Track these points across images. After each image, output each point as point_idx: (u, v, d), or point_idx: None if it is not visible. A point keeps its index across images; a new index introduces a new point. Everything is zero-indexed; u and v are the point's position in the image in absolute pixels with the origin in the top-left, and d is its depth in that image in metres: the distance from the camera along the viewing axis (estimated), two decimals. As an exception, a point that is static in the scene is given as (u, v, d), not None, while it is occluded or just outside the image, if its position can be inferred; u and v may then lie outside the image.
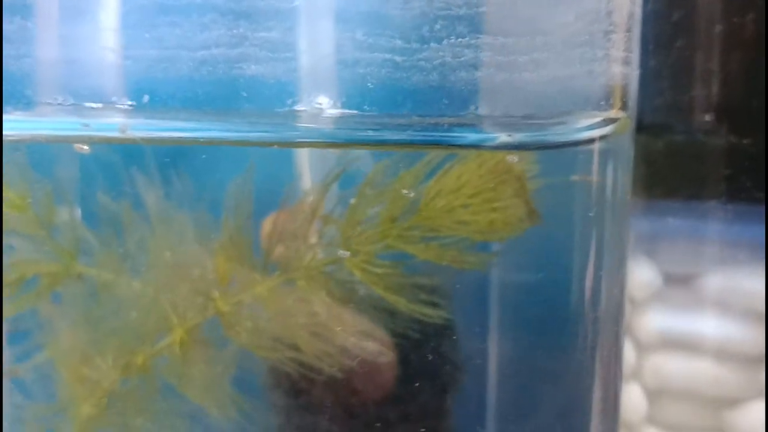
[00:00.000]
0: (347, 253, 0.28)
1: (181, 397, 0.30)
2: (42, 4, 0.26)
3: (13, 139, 0.27)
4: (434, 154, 0.28)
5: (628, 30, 0.30)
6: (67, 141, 0.26)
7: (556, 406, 0.31)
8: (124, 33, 0.25)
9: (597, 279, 0.30)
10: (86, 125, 0.24)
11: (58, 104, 0.24)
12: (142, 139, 0.24)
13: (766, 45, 0.38)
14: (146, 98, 0.23)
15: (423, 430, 0.30)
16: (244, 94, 0.23)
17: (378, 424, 0.30)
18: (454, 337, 0.30)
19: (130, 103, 0.24)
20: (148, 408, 0.30)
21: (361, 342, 0.29)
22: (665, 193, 0.39)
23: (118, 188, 0.28)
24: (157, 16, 0.24)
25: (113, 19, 0.25)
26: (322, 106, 0.24)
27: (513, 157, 0.27)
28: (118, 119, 0.24)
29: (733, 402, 0.41)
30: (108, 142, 0.25)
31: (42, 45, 0.25)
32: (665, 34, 0.39)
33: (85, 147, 0.25)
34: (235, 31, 0.24)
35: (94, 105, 0.24)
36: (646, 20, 0.32)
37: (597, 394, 0.31)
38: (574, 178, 0.28)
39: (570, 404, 0.31)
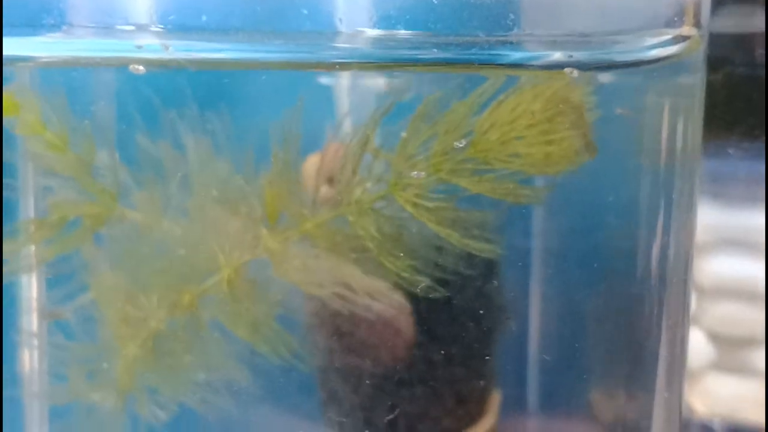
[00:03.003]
0: (422, 174, 0.27)
1: (228, 336, 0.29)
2: None
3: (50, 62, 0.26)
4: (488, 84, 0.27)
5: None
6: (109, 64, 0.25)
7: (623, 352, 0.30)
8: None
9: (666, 217, 0.29)
10: (140, 47, 0.23)
11: (99, 26, 0.23)
12: (187, 60, 0.23)
13: (766, 43, 0.37)
14: (204, 18, 0.22)
15: (488, 358, 0.29)
16: (305, 12, 0.22)
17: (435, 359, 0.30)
18: (508, 276, 0.29)
19: (161, 25, 0.23)
20: (194, 347, 0.30)
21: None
22: (724, 127, 0.37)
23: (160, 122, 0.28)
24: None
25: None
26: (383, 26, 0.23)
27: (572, 71, 0.26)
28: (162, 41, 0.23)
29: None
30: (151, 65, 0.25)
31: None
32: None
33: (140, 67, 0.24)
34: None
35: (141, 26, 0.23)
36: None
37: (664, 341, 0.31)
38: (643, 104, 0.27)
39: (636, 350, 0.31)
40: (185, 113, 0.27)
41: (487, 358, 0.30)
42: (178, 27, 0.23)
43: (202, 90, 0.27)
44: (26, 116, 0.29)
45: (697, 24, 0.28)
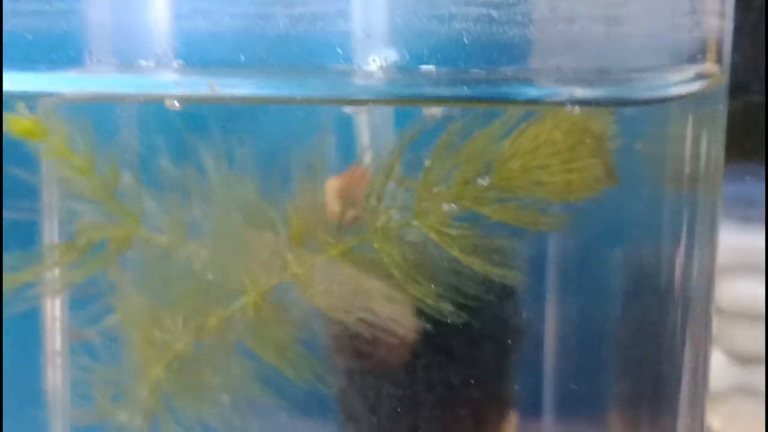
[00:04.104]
0: (453, 206, 0.28)
1: (253, 360, 0.30)
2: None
3: (72, 98, 0.27)
4: (509, 115, 0.27)
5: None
6: (146, 100, 0.25)
7: (645, 375, 0.31)
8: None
9: (689, 243, 0.29)
10: (178, 84, 0.24)
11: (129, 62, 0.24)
12: (232, 97, 0.24)
13: (766, 44, 0.37)
14: (242, 58, 0.23)
15: (509, 381, 0.30)
16: (339, 51, 0.23)
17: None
18: (530, 302, 0.30)
19: (180, 62, 0.24)
20: (220, 371, 0.30)
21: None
22: (741, 154, 0.38)
23: (184, 149, 0.28)
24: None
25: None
26: (416, 63, 0.24)
27: (573, 107, 0.26)
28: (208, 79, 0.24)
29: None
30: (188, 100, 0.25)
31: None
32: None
33: (176, 103, 0.24)
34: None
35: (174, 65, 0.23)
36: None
37: (687, 364, 0.31)
38: (665, 133, 0.28)
39: (659, 374, 0.31)
40: (213, 142, 0.28)
41: (508, 382, 0.31)
42: (215, 64, 0.24)
43: (231, 121, 0.27)
44: (54, 141, 0.29)
45: (719, 60, 0.28)
